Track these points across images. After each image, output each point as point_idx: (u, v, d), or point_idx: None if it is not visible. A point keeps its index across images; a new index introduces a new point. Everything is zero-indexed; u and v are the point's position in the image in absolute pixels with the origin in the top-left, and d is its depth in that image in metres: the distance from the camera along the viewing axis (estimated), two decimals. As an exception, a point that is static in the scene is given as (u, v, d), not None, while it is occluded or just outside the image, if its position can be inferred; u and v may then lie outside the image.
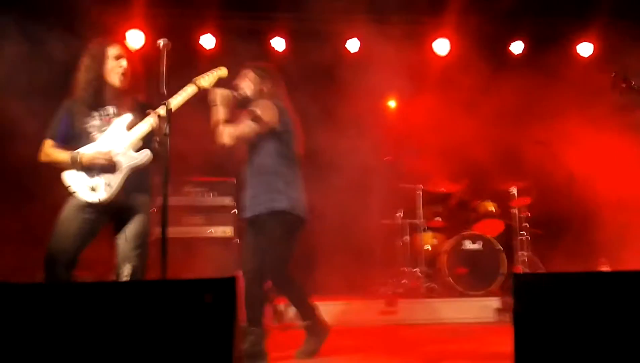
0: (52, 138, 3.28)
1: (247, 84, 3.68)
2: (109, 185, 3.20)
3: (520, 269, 6.13)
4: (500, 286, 5.95)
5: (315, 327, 3.67)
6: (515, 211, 6.50)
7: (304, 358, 3.62)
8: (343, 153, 6.21)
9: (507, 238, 6.51)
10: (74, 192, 3.21)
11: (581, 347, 2.21)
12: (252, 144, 3.58)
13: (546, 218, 6.80)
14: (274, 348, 3.60)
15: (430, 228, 6.67)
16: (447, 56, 7.44)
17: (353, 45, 7.32)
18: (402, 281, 6.31)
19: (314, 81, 6.86)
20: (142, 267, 3.24)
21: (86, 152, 3.22)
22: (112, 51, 3.34)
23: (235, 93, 3.60)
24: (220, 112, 3.47)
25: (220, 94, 3.49)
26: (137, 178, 3.30)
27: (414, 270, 6.36)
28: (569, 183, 6.56)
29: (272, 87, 3.69)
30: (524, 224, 6.47)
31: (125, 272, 3.19)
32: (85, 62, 3.32)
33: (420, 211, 6.42)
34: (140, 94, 3.45)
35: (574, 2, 7.03)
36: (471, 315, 5.60)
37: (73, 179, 3.22)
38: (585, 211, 6.78)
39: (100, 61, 3.30)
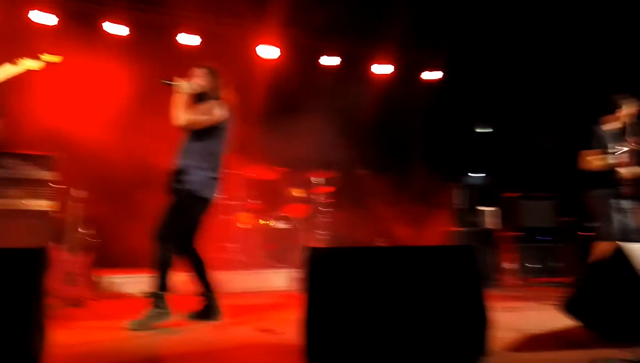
0: None
1: (204, 81, 3.71)
2: None
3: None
4: (303, 260, 6.17)
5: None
6: (318, 197, 6.79)
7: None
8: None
9: (311, 220, 6.78)
10: None
11: (361, 306, 2.35)
12: (192, 131, 3.61)
13: (342, 204, 7.25)
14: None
15: (248, 209, 6.70)
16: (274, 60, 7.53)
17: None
18: (221, 255, 6.27)
19: (153, 71, 6.52)
20: None
21: None
22: None
23: (195, 86, 3.65)
24: (180, 98, 3.55)
25: (183, 84, 3.59)
26: None
27: (232, 245, 6.35)
28: (362, 176, 7.06)
29: (221, 86, 3.74)
30: (324, 209, 6.79)
31: None
32: None
33: (240, 193, 6.41)
34: None
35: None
36: (278, 284, 5.74)
37: None
38: (373, 201, 7.34)
39: None
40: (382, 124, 8.15)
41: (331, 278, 2.44)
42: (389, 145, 8.20)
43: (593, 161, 4.75)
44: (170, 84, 3.60)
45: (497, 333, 2.38)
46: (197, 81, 3.71)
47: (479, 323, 2.25)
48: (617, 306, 2.65)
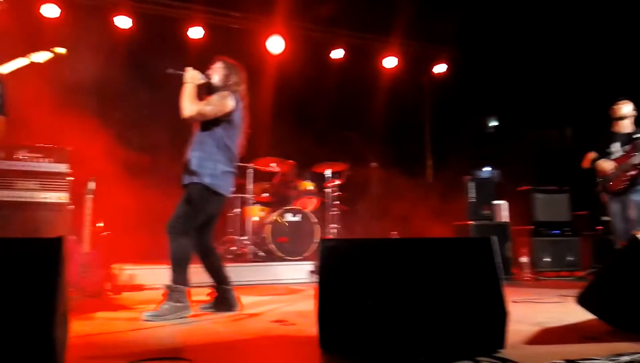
0: None
1: (215, 74, 3.68)
2: None
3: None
4: (314, 253, 6.21)
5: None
6: (329, 190, 6.81)
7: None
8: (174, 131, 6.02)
9: (322, 213, 6.81)
10: None
11: (377, 298, 2.35)
12: (204, 124, 3.57)
13: (353, 197, 7.27)
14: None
15: (258, 202, 6.73)
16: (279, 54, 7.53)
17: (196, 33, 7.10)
18: (232, 248, 6.32)
19: (158, 61, 6.53)
20: None
21: None
22: None
23: (204, 78, 3.62)
24: (188, 89, 3.51)
25: (191, 74, 3.55)
26: None
27: (242, 238, 6.39)
28: (372, 170, 7.08)
29: (236, 82, 3.68)
30: (335, 202, 6.81)
31: None
32: None
33: (251, 187, 6.43)
34: None
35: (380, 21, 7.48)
36: (289, 277, 5.78)
37: None
38: (384, 193, 7.36)
39: None
40: (392, 117, 8.15)
41: (345, 270, 2.44)
42: (399, 138, 8.21)
43: (594, 161, 5.02)
44: (176, 74, 3.56)
45: (514, 326, 2.38)
46: (208, 72, 3.68)
47: (497, 315, 2.25)
48: (635, 299, 2.64)
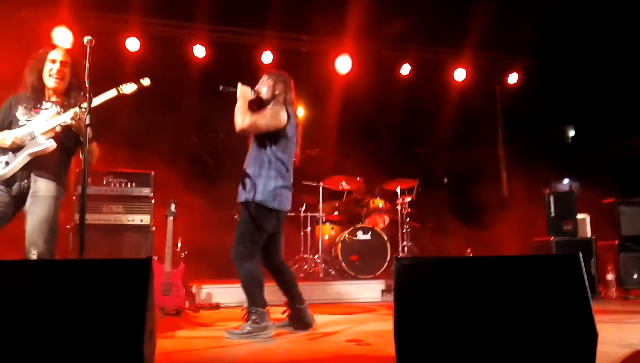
0: None
1: (263, 87, 3.72)
2: (7, 163, 3.14)
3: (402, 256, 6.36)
4: (385, 271, 6.15)
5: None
6: (399, 207, 6.74)
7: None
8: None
9: (393, 230, 6.74)
10: None
11: (450, 317, 2.29)
12: (257, 138, 3.61)
13: (424, 214, 7.15)
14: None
15: (329, 221, 6.78)
16: (347, 74, 7.61)
17: (267, 57, 7.31)
18: (304, 267, 6.39)
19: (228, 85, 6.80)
20: (48, 252, 3.06)
21: (1, 133, 3.18)
22: (51, 55, 3.31)
23: (254, 93, 3.66)
24: (240, 103, 3.56)
25: (242, 90, 3.60)
26: (46, 165, 3.19)
27: (314, 257, 6.44)
28: (443, 186, 6.95)
29: (283, 90, 3.69)
30: (406, 219, 6.73)
31: (32, 257, 3.01)
32: (29, 63, 3.33)
33: (320, 205, 6.49)
34: (81, 91, 3.31)
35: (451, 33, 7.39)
36: (361, 296, 5.75)
37: None
38: (456, 209, 7.19)
39: (40, 64, 3.30)
40: (463, 131, 7.98)
41: (422, 289, 2.40)
42: (471, 152, 8.01)
43: None
44: (228, 91, 3.61)
45: (602, 348, 2.24)
46: (257, 88, 3.71)
47: (586, 337, 2.13)
48: None
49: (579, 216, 5.89)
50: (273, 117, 3.53)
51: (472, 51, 7.75)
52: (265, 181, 3.51)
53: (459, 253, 6.47)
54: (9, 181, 3.13)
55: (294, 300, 3.70)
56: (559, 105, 7.95)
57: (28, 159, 3.14)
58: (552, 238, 5.72)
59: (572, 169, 8.37)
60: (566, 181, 8.63)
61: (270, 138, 3.57)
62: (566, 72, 7.59)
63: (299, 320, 3.68)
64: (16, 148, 3.14)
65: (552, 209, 5.86)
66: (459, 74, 8.09)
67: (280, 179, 3.56)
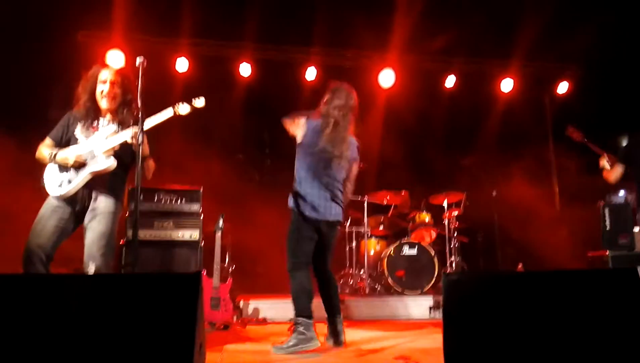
0: (50, 137, 3.38)
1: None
2: (70, 182, 3.23)
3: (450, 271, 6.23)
4: (433, 287, 6.03)
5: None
6: (446, 221, 6.62)
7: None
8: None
9: (440, 245, 6.62)
10: (43, 186, 3.25)
11: (501, 334, 2.23)
12: (297, 148, 3.72)
13: (472, 228, 6.99)
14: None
15: (374, 236, 6.73)
16: (390, 87, 7.59)
17: (311, 74, 7.39)
18: (349, 282, 6.35)
19: (275, 105, 6.90)
20: (105, 266, 3.15)
21: (61, 151, 3.28)
22: (102, 75, 3.40)
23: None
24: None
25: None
26: (105, 182, 3.30)
27: (359, 272, 6.40)
28: (491, 199, 6.77)
29: (339, 105, 3.69)
30: (453, 233, 6.60)
31: (90, 271, 3.10)
32: (82, 83, 3.43)
33: (365, 220, 6.46)
34: (134, 110, 3.41)
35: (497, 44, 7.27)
36: (408, 312, 5.66)
37: (47, 175, 3.30)
38: (506, 223, 6.99)
39: (92, 83, 3.39)
40: (511, 142, 7.79)
41: (472, 305, 2.34)
42: (520, 163, 7.79)
43: None
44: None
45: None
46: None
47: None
48: None
49: (636, 229, 5.62)
50: (293, 127, 3.69)
51: (519, 61, 7.59)
52: (300, 189, 3.60)
53: (508, 268, 6.28)
54: (71, 198, 3.24)
55: (331, 313, 3.66)
56: (611, 114, 7.64)
57: (90, 177, 3.25)
58: (607, 252, 5.47)
59: (628, 181, 7.98)
60: (622, 193, 8.24)
61: (302, 146, 3.66)
62: (619, 80, 7.30)
63: (333, 333, 3.64)
64: (77, 166, 3.25)
65: (607, 223, 5.62)
66: (506, 85, 7.92)
67: (314, 188, 3.57)
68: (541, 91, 8.30)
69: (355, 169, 3.84)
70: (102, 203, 3.26)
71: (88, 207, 3.25)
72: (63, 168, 3.26)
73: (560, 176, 8.31)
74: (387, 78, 7.53)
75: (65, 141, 3.35)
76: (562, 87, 8.06)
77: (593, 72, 7.62)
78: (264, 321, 5.14)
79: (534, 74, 8.01)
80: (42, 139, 3.39)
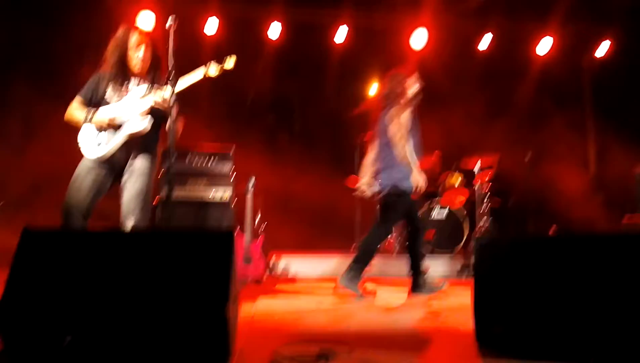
0: (80, 95, 3.33)
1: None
2: (107, 143, 3.25)
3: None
4: (463, 249, 6.03)
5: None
6: (478, 183, 6.54)
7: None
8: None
9: (471, 207, 6.57)
10: (80, 147, 3.26)
11: (530, 296, 2.23)
12: None
13: (504, 190, 6.90)
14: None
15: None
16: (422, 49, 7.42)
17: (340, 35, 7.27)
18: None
19: (306, 68, 6.86)
20: (143, 220, 3.22)
21: (98, 113, 3.27)
22: (133, 38, 3.33)
23: None
24: None
25: None
26: (140, 142, 3.31)
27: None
28: (525, 163, 6.63)
29: (397, 93, 4.19)
30: (484, 197, 6.52)
31: (128, 226, 3.18)
32: (112, 44, 3.36)
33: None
34: (163, 71, 3.39)
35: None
36: (438, 271, 5.68)
37: (83, 136, 3.29)
38: (539, 186, 6.87)
39: (123, 46, 3.33)
40: (546, 104, 7.57)
41: (503, 268, 2.35)
42: (556, 126, 7.58)
43: None
44: None
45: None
46: None
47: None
48: None
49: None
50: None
51: (558, 20, 7.29)
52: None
53: (541, 232, 6.21)
54: (107, 159, 3.26)
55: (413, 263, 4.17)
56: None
57: (127, 139, 3.27)
58: (645, 219, 5.36)
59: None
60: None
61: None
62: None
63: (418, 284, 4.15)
64: (113, 127, 3.26)
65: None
66: (543, 46, 7.65)
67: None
68: (580, 54, 7.98)
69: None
70: (138, 163, 3.30)
71: (124, 167, 3.29)
72: (99, 129, 3.26)
73: (597, 141, 8.08)
74: (419, 39, 7.35)
75: (95, 101, 3.32)
76: (602, 50, 7.73)
77: (635, 34, 7.28)
78: (295, 277, 5.30)
79: (572, 35, 7.69)
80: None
